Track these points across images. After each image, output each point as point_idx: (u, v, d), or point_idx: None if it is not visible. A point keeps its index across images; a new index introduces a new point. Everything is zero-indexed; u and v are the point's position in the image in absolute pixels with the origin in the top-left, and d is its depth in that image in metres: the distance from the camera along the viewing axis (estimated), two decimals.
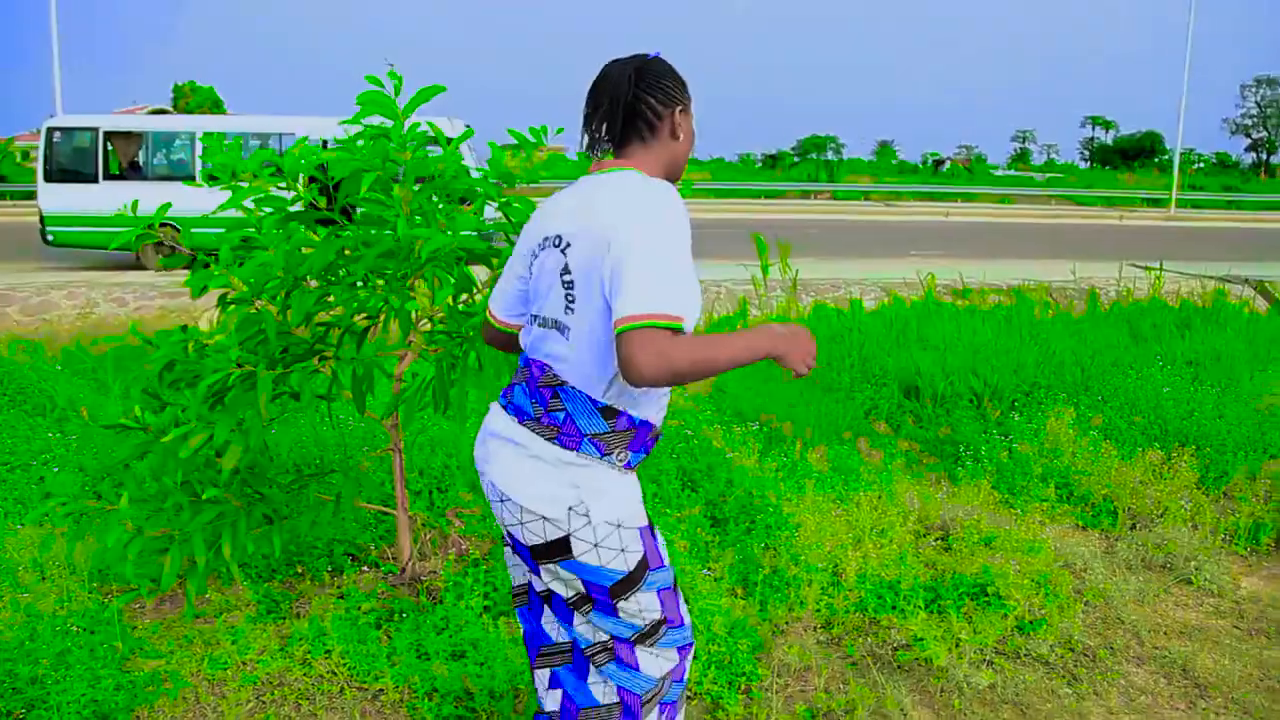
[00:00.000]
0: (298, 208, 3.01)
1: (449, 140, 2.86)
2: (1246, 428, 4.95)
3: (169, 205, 3.17)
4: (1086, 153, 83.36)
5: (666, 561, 1.93)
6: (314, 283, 2.93)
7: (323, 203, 2.94)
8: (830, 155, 71.20)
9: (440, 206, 2.85)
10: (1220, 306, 8.76)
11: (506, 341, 2.10)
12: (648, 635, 1.88)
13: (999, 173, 56.72)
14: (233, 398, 2.77)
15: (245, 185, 2.91)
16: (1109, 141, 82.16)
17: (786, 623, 3.18)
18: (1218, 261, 11.94)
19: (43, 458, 4.46)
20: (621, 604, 1.85)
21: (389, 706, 2.68)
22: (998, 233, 22.12)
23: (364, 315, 2.99)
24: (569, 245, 1.79)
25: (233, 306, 2.94)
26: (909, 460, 4.78)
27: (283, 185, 2.91)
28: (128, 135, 13.91)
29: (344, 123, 2.71)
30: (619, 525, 1.82)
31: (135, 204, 3.14)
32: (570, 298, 1.77)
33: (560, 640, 2.02)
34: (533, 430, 1.82)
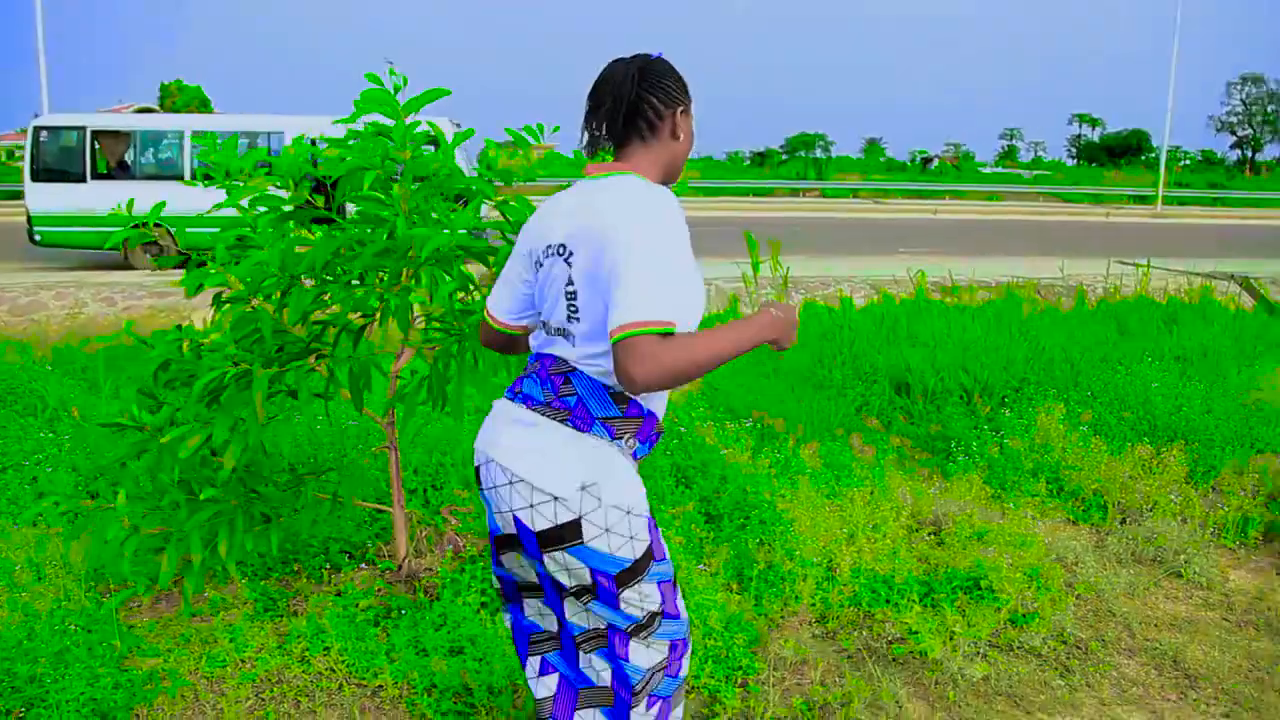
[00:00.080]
0: (288, 207, 3.01)
1: (449, 140, 2.87)
2: (1234, 422, 5.00)
3: (163, 204, 3.17)
4: (1073, 150, 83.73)
5: (668, 555, 1.95)
6: (309, 281, 2.94)
7: (320, 201, 2.95)
8: (819, 153, 71.36)
9: (436, 205, 2.87)
10: (1207, 303, 8.84)
11: (505, 343, 2.11)
12: (643, 627, 1.90)
13: (986, 170, 56.94)
14: (228, 397, 2.78)
15: (242, 184, 2.91)
16: (1096, 139, 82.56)
17: (782, 617, 3.21)
18: (1204, 258, 12.03)
19: (35, 458, 4.45)
20: (625, 593, 1.86)
21: (388, 703, 2.69)
22: (986, 230, 22.21)
23: (360, 314, 3.00)
24: (571, 254, 1.81)
25: (228, 305, 2.94)
26: (900, 456, 4.82)
27: (279, 184, 2.91)
28: (115, 134, 13.84)
29: (342, 121, 2.71)
30: (629, 511, 1.84)
31: (131, 203, 3.14)
32: (573, 308, 1.82)
33: (548, 627, 2.05)
34: (543, 414, 1.84)
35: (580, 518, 1.80)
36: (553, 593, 1.96)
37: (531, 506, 1.82)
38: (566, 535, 1.81)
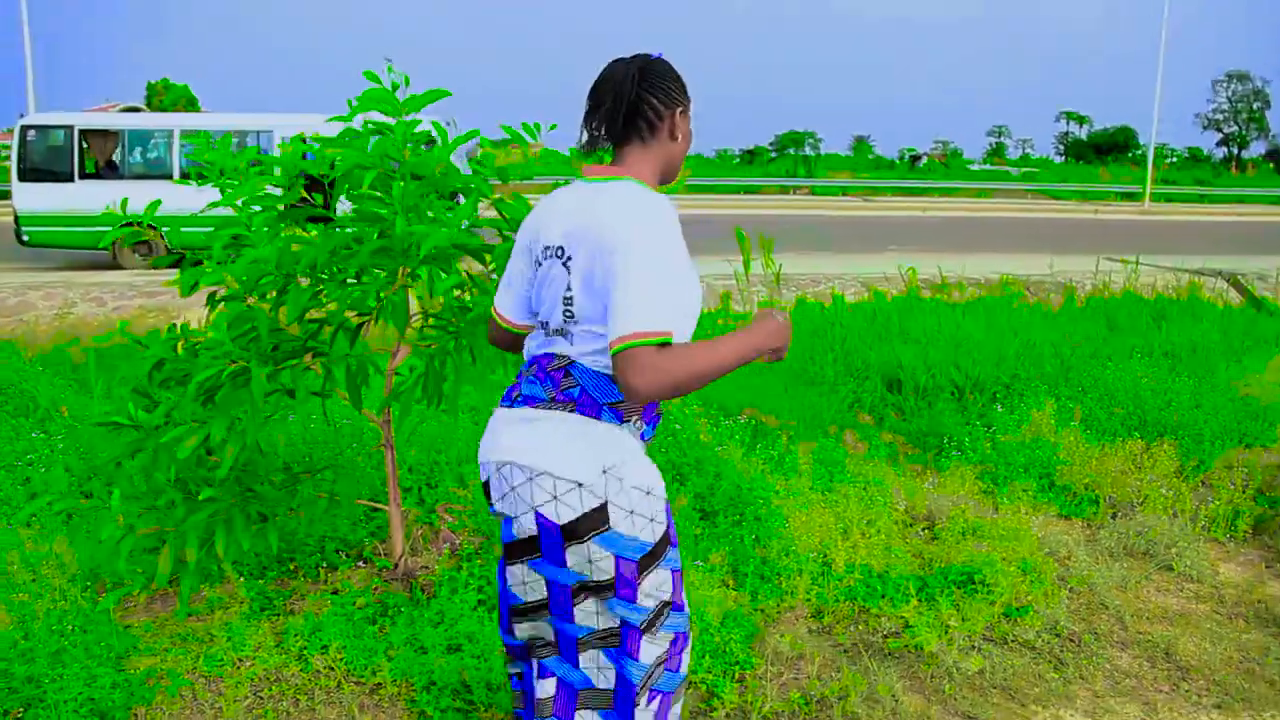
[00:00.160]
0: (282, 206, 3.01)
1: (450, 140, 2.87)
2: (1223, 417, 5.05)
3: (158, 203, 3.17)
4: (1061, 147, 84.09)
5: (677, 542, 1.96)
6: (304, 280, 2.94)
7: (319, 199, 2.95)
8: (808, 151, 71.46)
9: (433, 203, 2.87)
10: (1195, 299, 8.90)
11: (513, 342, 2.11)
12: (655, 619, 1.90)
13: (975, 168, 57.09)
14: (224, 395, 2.78)
15: (240, 183, 2.91)
16: (1083, 136, 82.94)
17: (778, 612, 3.23)
18: (1192, 255, 12.10)
19: (27, 458, 4.43)
20: (644, 582, 1.86)
21: (387, 700, 2.69)
22: (975, 227, 22.29)
23: (356, 312, 3.01)
24: (570, 258, 1.83)
25: (223, 304, 2.94)
26: (893, 452, 4.84)
27: (277, 183, 2.91)
28: (103, 133, 13.75)
29: (340, 119, 2.71)
30: (649, 492, 1.85)
31: (125, 202, 3.14)
32: (569, 313, 1.83)
33: (546, 636, 2.01)
34: (549, 408, 1.84)
35: (606, 501, 1.80)
36: (563, 602, 1.91)
37: (555, 498, 1.80)
38: (593, 522, 1.80)
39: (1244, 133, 74.77)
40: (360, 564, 3.41)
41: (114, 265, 12.91)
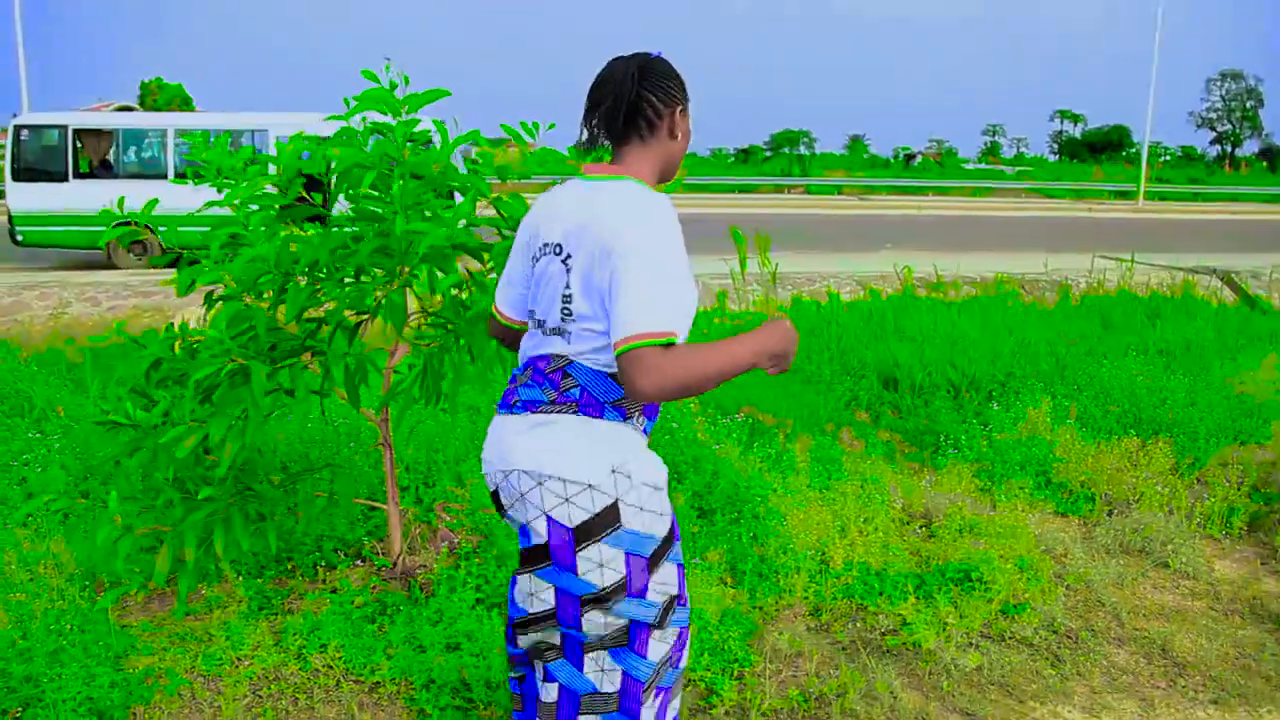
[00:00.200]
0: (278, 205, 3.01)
1: (450, 139, 2.87)
2: (1218, 415, 5.06)
3: (156, 202, 3.17)
4: (1055, 146, 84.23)
5: (679, 537, 1.97)
6: (302, 279, 2.94)
7: (318, 199, 2.95)
8: (803, 150, 71.46)
9: (431, 202, 2.87)
10: (1189, 297, 8.93)
11: (515, 338, 2.11)
12: (664, 616, 1.91)
13: (970, 166, 57.19)
14: (221, 394, 2.78)
15: (243, 183, 2.90)
16: (1078, 135, 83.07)
17: (776, 610, 3.23)
18: (1185, 253, 12.13)
19: (23, 458, 4.42)
20: (653, 579, 1.87)
21: (386, 699, 2.70)
22: (970, 226, 22.33)
23: (354, 311, 3.01)
24: (569, 256, 1.82)
25: (221, 303, 2.94)
26: (890, 450, 4.85)
27: (276, 183, 2.91)
28: (97, 133, 13.72)
29: (338, 118, 2.71)
30: (656, 487, 1.86)
31: (122, 200, 3.14)
32: (567, 311, 1.83)
33: (553, 640, 1.99)
34: (550, 412, 1.84)
35: (617, 500, 1.80)
36: (572, 612, 1.89)
37: (567, 500, 1.80)
38: (605, 521, 1.80)
39: (1237, 131, 74.97)
40: (358, 563, 3.41)
41: (108, 265, 12.87)
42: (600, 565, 1.84)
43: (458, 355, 3.06)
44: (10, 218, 13.28)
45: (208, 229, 2.98)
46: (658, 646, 1.92)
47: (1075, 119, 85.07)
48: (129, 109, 17.65)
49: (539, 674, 2.01)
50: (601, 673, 1.93)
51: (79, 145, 13.40)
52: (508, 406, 1.93)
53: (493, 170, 2.88)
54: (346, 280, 3.00)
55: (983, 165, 59.46)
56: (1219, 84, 75.39)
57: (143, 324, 7.91)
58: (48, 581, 3.13)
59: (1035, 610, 3.24)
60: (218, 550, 2.82)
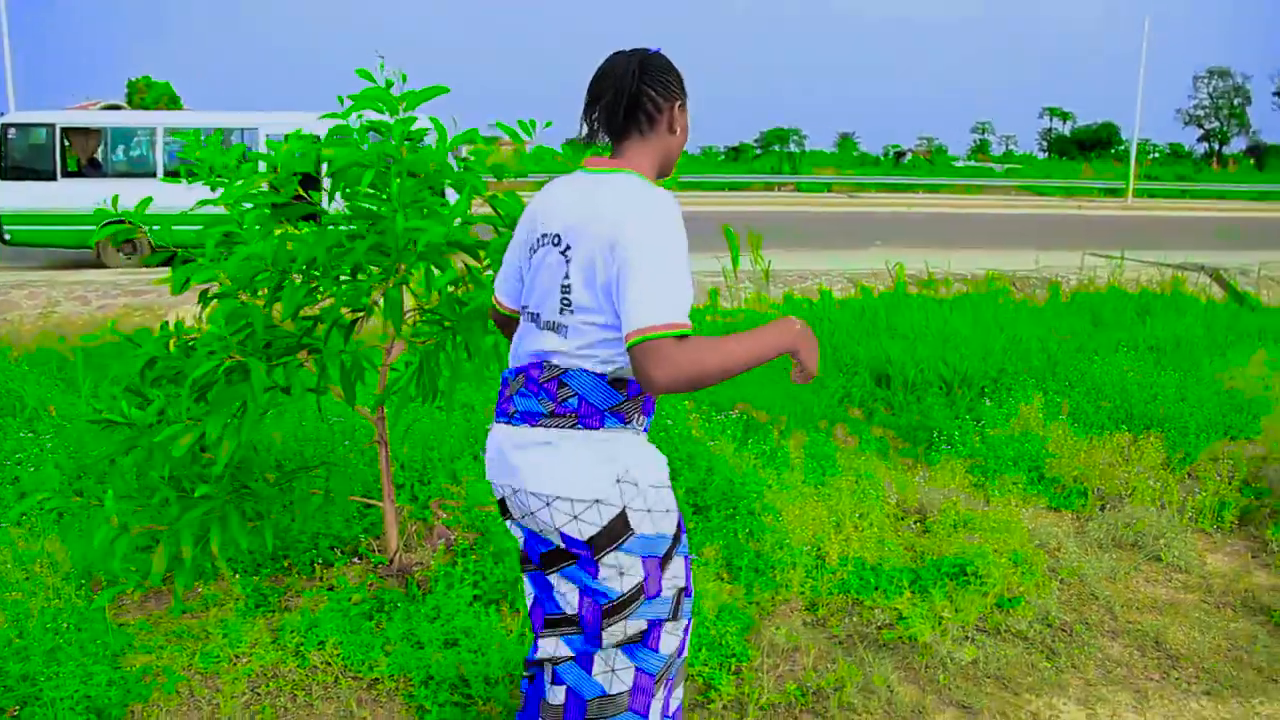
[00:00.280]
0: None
1: (448, 137, 2.87)
2: (1208, 410, 5.10)
3: (149, 200, 3.15)
4: (1044, 144, 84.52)
5: (685, 528, 1.98)
6: (298, 277, 2.94)
7: (316, 197, 2.95)
8: (793, 147, 71.55)
9: (427, 199, 2.87)
10: (1178, 294, 8.99)
11: (516, 327, 2.11)
12: (675, 609, 1.92)
13: (959, 164, 57.35)
14: (217, 393, 2.77)
15: (240, 182, 2.90)
16: (1066, 132, 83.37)
17: (773, 605, 3.25)
18: (1174, 250, 12.20)
19: (16, 457, 4.40)
20: (665, 576, 1.88)
21: (385, 695, 2.70)
22: (960, 223, 22.40)
23: (350, 309, 3.01)
24: (569, 248, 1.81)
25: (216, 301, 2.94)
26: (883, 446, 4.87)
27: (274, 181, 2.91)
28: (86, 131, 13.65)
29: (334, 116, 2.71)
30: (660, 486, 1.87)
31: (116, 199, 3.13)
32: (566, 301, 1.81)
33: (564, 653, 1.99)
34: (550, 426, 1.83)
35: (624, 508, 1.81)
36: (593, 622, 1.90)
37: (575, 518, 1.82)
38: (617, 530, 1.82)
39: (1225, 128, 75.32)
40: (355, 560, 3.41)
41: (97, 264, 12.82)
42: (620, 573, 1.85)
43: (454, 353, 3.06)
44: None
45: (199, 228, 2.97)
46: (670, 640, 1.94)
47: (1064, 116, 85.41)
48: (116, 107, 17.56)
49: (547, 676, 2.01)
50: (612, 674, 1.93)
51: (67, 144, 13.33)
52: (506, 416, 1.92)
53: (487, 169, 2.88)
54: (343, 278, 3.00)
55: (972, 163, 59.63)
56: (1206, 81, 75.74)
57: (133, 323, 7.88)
58: (43, 580, 3.12)
59: (1030, 604, 3.26)
60: (214, 548, 2.82)
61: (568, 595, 1.93)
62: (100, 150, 13.71)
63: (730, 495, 3.85)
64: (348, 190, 2.78)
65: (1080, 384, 5.56)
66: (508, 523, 1.98)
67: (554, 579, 1.95)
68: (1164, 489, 4.27)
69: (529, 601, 2.03)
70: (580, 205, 1.83)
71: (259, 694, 2.69)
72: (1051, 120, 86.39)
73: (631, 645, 1.92)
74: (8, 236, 13.16)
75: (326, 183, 2.89)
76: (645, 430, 1.91)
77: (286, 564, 3.38)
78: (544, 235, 1.88)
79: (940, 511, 3.88)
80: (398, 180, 2.69)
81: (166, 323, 2.99)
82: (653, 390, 1.66)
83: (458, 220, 2.85)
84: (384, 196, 2.74)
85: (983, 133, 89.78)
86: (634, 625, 1.90)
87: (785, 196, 33.23)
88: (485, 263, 2.94)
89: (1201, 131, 76.48)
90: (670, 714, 2.02)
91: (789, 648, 2.99)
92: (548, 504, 1.83)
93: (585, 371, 1.81)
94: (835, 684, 2.78)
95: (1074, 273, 10.14)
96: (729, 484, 3.92)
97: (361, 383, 2.97)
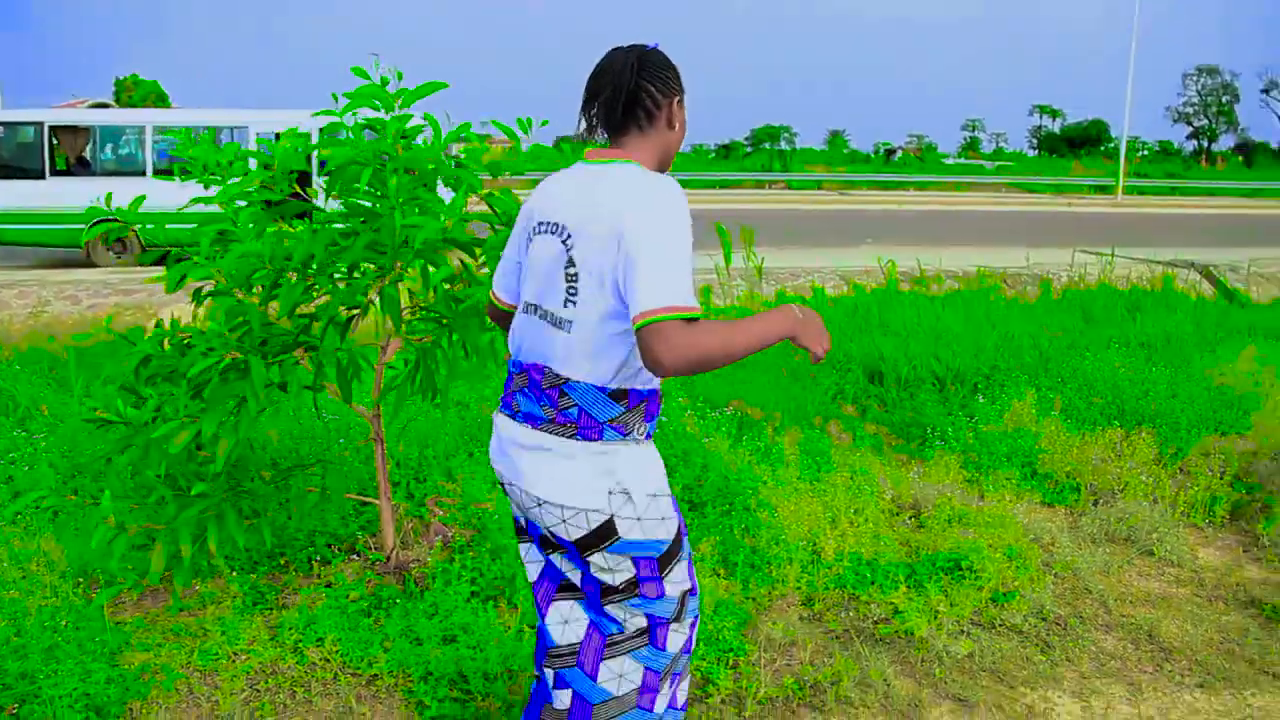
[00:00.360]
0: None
1: (443, 134, 2.87)
2: (1199, 405, 5.13)
3: (142, 199, 3.15)
4: (1034, 141, 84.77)
5: (686, 531, 1.99)
6: (294, 274, 2.93)
7: (314, 194, 2.95)
8: (783, 145, 71.62)
9: (423, 196, 2.88)
10: (1169, 291, 9.04)
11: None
12: (679, 609, 1.93)
13: (950, 161, 57.50)
14: (213, 391, 2.77)
15: (227, 179, 2.90)
16: (1056, 130, 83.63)
17: (769, 600, 3.26)
18: (1164, 247, 12.25)
19: (9, 457, 4.39)
20: (667, 578, 1.89)
21: (384, 691, 2.70)
22: (950, 220, 22.46)
23: (347, 307, 3.01)
24: (571, 236, 1.80)
25: (211, 299, 2.93)
26: (877, 443, 4.89)
27: (271, 180, 2.91)
28: (74, 130, 13.59)
29: (330, 114, 2.71)
30: (655, 495, 1.86)
31: (109, 197, 3.12)
32: (573, 290, 1.79)
33: (565, 643, 2.00)
34: (550, 432, 1.84)
35: (612, 517, 1.83)
36: (594, 595, 1.95)
37: (564, 522, 1.85)
38: (602, 535, 1.84)
39: (1214, 126, 75.69)
40: (352, 557, 3.41)
41: (87, 263, 12.77)
42: (609, 570, 1.88)
43: (451, 350, 3.07)
44: None
45: (191, 226, 2.96)
46: (676, 638, 1.96)
47: (1054, 114, 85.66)
48: (104, 105, 17.48)
49: (550, 680, 2.02)
50: (619, 678, 1.94)
51: (55, 142, 13.27)
52: (510, 409, 1.93)
53: (482, 166, 2.89)
54: (339, 276, 3.00)
55: (962, 160, 59.80)
56: (1195, 79, 76.11)
57: (125, 322, 7.85)
58: (40, 579, 3.11)
59: (1024, 598, 3.28)
60: (212, 547, 2.82)
61: (567, 572, 1.99)
62: (89, 149, 13.66)
63: (726, 491, 3.87)
64: (344, 188, 2.78)
65: (1072, 380, 5.59)
66: (515, 511, 2.02)
67: (554, 557, 2.01)
68: (1156, 484, 4.30)
69: (532, 575, 2.06)
70: (582, 197, 1.83)
71: (258, 691, 2.69)
72: (1041, 118, 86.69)
73: (637, 649, 1.94)
74: None
75: (320, 180, 2.89)
76: (648, 436, 1.91)
77: (284, 562, 3.38)
78: (542, 224, 1.88)
79: (935, 507, 3.90)
80: (395, 178, 2.69)
81: (160, 321, 2.98)
82: (659, 372, 1.65)
83: (449, 221, 2.85)
84: (380, 194, 2.74)
85: (973, 130, 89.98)
86: (634, 616, 1.92)
87: (776, 194, 33.25)
88: (481, 260, 2.94)
89: (1191, 129, 76.88)
90: (679, 706, 2.04)
91: (786, 642, 3.00)
92: (540, 505, 1.87)
93: (587, 384, 1.80)
94: (832, 678, 2.79)
95: (1065, 270, 10.18)
96: (724, 480, 3.93)
97: (358, 380, 2.98)
